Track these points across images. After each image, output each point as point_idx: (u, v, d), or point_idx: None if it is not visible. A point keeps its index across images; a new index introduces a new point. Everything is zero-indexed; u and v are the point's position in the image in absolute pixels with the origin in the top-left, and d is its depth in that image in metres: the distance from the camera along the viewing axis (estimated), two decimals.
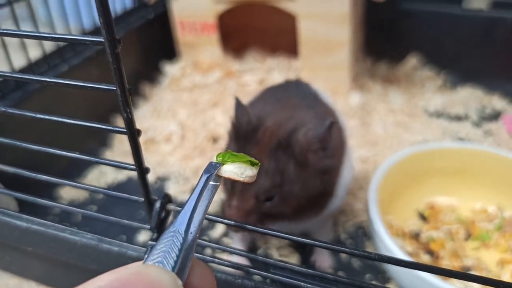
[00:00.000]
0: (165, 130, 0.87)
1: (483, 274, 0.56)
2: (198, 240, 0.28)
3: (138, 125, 0.93)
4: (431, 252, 0.59)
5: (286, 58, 1.03)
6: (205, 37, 0.98)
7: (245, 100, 0.93)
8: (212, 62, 1.00)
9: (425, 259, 0.59)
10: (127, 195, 0.36)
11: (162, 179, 0.79)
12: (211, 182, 0.27)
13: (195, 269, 0.24)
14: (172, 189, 0.76)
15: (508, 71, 1.00)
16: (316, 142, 0.44)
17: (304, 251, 0.63)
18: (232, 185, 0.44)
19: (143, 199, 0.35)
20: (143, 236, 0.67)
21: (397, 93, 1.00)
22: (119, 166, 0.34)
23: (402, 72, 1.06)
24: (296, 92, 0.56)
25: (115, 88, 0.28)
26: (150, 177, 0.79)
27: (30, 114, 0.34)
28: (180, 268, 0.22)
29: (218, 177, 0.28)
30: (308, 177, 0.46)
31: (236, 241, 0.62)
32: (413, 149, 0.66)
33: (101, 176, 0.80)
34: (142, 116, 0.94)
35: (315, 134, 0.44)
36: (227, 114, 0.91)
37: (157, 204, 0.34)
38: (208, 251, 0.60)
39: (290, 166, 0.44)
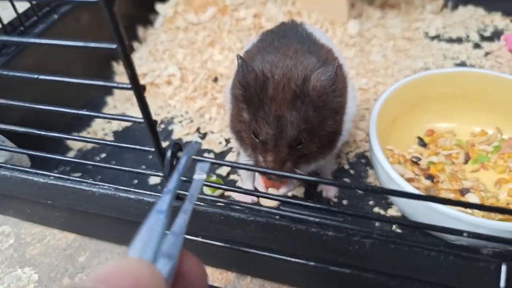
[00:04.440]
0: (164, 73, 0.87)
1: (481, 194, 0.59)
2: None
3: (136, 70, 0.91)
4: (431, 177, 0.62)
5: None
6: None
7: (243, 37, 0.92)
8: None
9: (425, 183, 0.61)
10: (139, 146, 0.37)
11: (166, 123, 0.80)
12: (196, 176, 0.28)
13: (186, 261, 0.25)
14: (176, 132, 0.78)
15: None
16: (329, 86, 0.46)
17: (310, 185, 0.66)
18: (262, 143, 0.46)
19: (154, 149, 0.36)
20: (154, 179, 0.69)
21: (396, 18, 0.98)
22: (128, 120, 0.35)
23: None
24: (294, 38, 0.56)
25: (115, 47, 0.28)
26: None
27: (32, 75, 0.34)
28: (167, 256, 0.23)
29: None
30: (325, 117, 0.49)
31: (244, 180, 0.65)
32: (410, 77, 0.66)
33: (107, 124, 0.82)
34: (139, 60, 0.93)
35: (327, 78, 0.46)
36: (225, 52, 0.90)
37: (168, 153, 0.36)
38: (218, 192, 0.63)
39: (310, 112, 0.46)
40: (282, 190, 0.53)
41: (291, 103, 0.46)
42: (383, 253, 0.34)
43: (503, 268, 0.29)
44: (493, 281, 0.30)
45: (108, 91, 0.88)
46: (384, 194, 0.56)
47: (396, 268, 0.35)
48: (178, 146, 0.37)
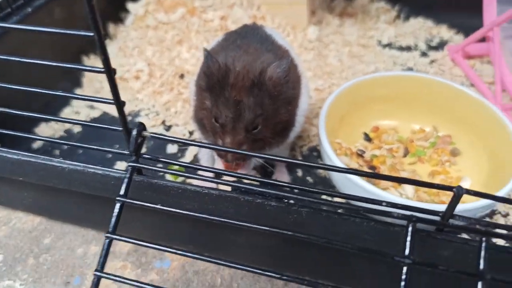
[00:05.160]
0: (133, 68, 0.91)
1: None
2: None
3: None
4: (373, 167, 0.69)
5: None
6: None
7: (209, 37, 0.97)
8: (174, 0, 1.02)
9: None
10: (108, 126, 0.42)
11: (133, 115, 0.85)
12: None
13: None
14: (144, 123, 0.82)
15: (457, 2, 1.06)
16: (283, 77, 0.53)
17: (266, 174, 0.71)
18: (222, 126, 0.52)
19: (121, 128, 0.41)
20: (120, 165, 0.74)
21: (353, 26, 1.05)
22: (99, 101, 0.40)
23: (358, 5, 1.11)
24: (254, 38, 0.62)
25: (92, 34, 0.33)
26: None
27: (4, 57, 0.38)
28: None
29: None
30: (279, 106, 0.55)
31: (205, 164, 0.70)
32: (357, 78, 0.73)
33: (75, 115, 0.85)
34: (109, 55, 0.96)
35: (281, 70, 0.52)
36: (192, 50, 0.95)
37: (134, 132, 0.41)
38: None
39: (266, 100, 0.52)
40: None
41: (249, 90, 0.51)
42: (317, 221, 0.40)
43: (410, 228, 0.36)
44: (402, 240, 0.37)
45: (77, 83, 0.91)
46: (321, 170, 0.62)
47: (328, 234, 0.41)
48: (142, 125, 0.42)
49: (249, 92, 0.51)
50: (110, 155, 0.76)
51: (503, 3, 0.87)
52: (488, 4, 0.89)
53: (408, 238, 0.35)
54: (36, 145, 0.78)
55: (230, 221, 0.38)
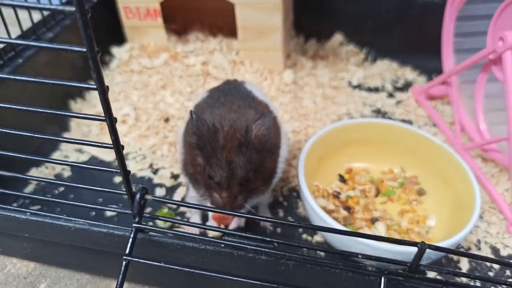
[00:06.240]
0: (119, 112, 0.95)
1: (387, 222, 0.73)
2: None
3: (91, 110, 1.00)
4: (348, 208, 0.75)
5: (226, 38, 1.12)
6: (149, 21, 1.05)
7: (192, 82, 1.03)
8: (157, 45, 1.08)
9: (343, 213, 0.75)
10: (114, 190, 0.47)
11: None
12: None
13: None
14: (131, 167, 0.86)
15: (419, 46, 1.16)
16: (267, 133, 0.59)
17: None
18: (217, 184, 0.57)
19: (125, 193, 0.46)
20: (110, 212, 0.77)
21: (325, 68, 1.13)
22: (107, 170, 0.45)
23: (329, 48, 1.20)
24: (236, 95, 0.69)
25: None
26: (110, 157, 0.89)
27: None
28: None
29: None
30: (265, 157, 0.61)
31: (193, 213, 0.75)
32: (332, 125, 0.80)
33: (64, 159, 0.88)
34: (95, 99, 1.01)
35: (266, 127, 0.58)
36: (176, 95, 1.01)
37: (137, 196, 0.46)
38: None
39: (254, 155, 0.58)
40: (233, 224, 0.64)
41: (238, 149, 0.57)
42: (302, 272, 0.46)
43: (383, 280, 0.42)
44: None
45: (65, 127, 0.94)
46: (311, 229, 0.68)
47: (312, 283, 0.47)
48: (145, 190, 0.47)
49: (238, 152, 0.57)
50: (101, 199, 0.80)
51: (459, 52, 0.97)
52: (447, 53, 0.99)
53: (382, 287, 0.41)
54: (28, 189, 0.81)
55: (224, 276, 0.43)
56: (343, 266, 0.43)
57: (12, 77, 0.40)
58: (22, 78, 0.40)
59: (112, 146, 0.41)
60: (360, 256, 0.44)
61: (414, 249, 0.43)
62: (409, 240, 0.42)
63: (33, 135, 0.43)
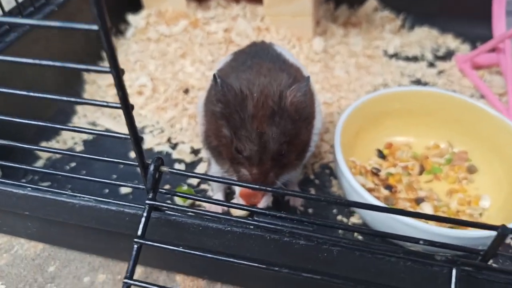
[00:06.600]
0: (135, 83, 0.88)
1: (435, 203, 0.65)
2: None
3: (107, 80, 0.93)
4: (389, 187, 0.67)
5: (250, 4, 1.03)
6: None
7: (214, 50, 0.95)
8: (176, 11, 0.99)
9: (384, 193, 0.66)
10: (124, 161, 0.39)
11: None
12: None
13: None
14: (148, 141, 0.79)
15: (462, 10, 1.04)
16: (303, 100, 0.51)
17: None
18: (247, 158, 0.49)
19: (137, 163, 0.38)
20: (125, 188, 0.71)
21: (358, 36, 1.03)
22: (115, 136, 0.37)
23: (362, 14, 1.09)
24: (265, 57, 0.60)
25: (97, 28, 0.29)
26: (125, 130, 0.82)
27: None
28: None
29: None
30: (300, 128, 0.53)
31: (215, 190, 0.67)
32: (370, 94, 0.71)
33: (71, 139, 0.81)
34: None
35: (302, 93, 0.50)
36: (196, 64, 0.93)
37: (151, 168, 0.38)
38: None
39: (288, 125, 0.50)
40: (263, 203, 0.56)
41: (271, 119, 0.49)
42: (349, 259, 0.38)
43: (454, 272, 0.33)
44: (445, 284, 0.35)
45: (80, 92, 0.88)
46: (350, 207, 0.60)
47: (360, 273, 0.39)
48: (160, 160, 0.39)
49: (271, 122, 0.49)
50: (115, 176, 0.73)
51: None
52: (498, 15, 0.87)
53: (453, 285, 0.33)
54: (37, 165, 0.75)
55: (255, 264, 0.36)
56: (404, 254, 0.35)
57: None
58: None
59: (120, 106, 0.34)
60: (421, 242, 0.36)
61: (487, 234, 0.35)
62: (486, 224, 0.34)
63: (50, 96, 0.37)
